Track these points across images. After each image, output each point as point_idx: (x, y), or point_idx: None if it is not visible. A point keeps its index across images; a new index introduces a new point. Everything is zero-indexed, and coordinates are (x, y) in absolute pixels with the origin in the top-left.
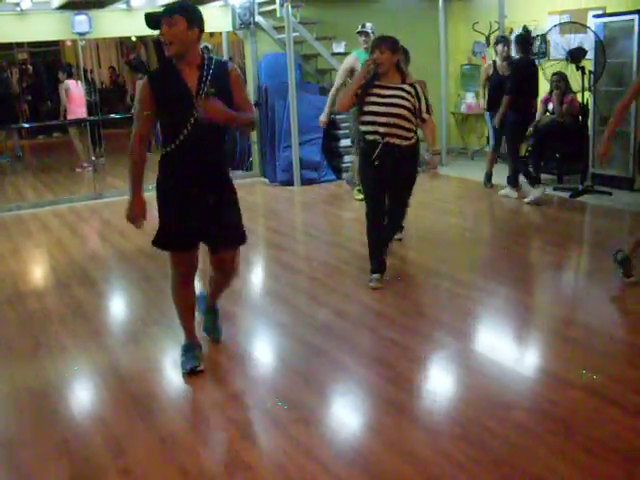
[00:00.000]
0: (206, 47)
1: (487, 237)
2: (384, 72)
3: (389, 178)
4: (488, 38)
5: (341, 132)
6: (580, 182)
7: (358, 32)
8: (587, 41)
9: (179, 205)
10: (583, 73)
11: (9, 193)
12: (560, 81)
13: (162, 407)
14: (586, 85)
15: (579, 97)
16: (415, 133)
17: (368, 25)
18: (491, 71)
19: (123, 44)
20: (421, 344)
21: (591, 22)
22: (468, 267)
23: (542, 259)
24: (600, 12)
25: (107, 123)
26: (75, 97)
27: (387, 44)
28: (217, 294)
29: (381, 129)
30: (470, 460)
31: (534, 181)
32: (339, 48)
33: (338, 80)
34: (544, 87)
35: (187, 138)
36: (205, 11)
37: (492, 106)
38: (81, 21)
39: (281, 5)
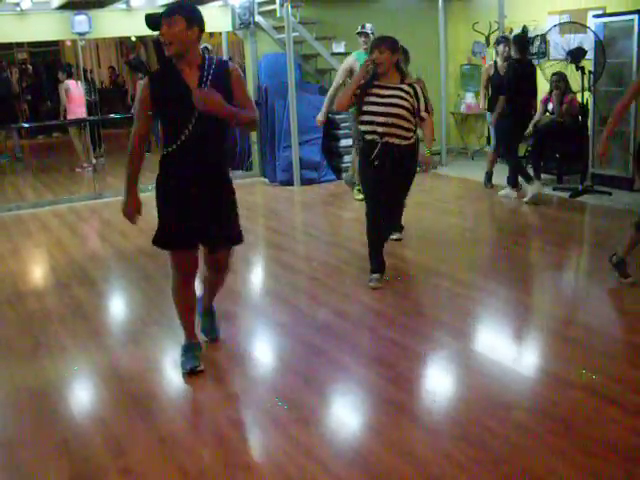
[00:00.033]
0: (206, 48)
1: (487, 237)
2: (383, 72)
3: (389, 178)
4: (488, 38)
5: (341, 132)
6: (580, 182)
7: (358, 33)
8: (587, 41)
9: (179, 205)
10: (583, 73)
11: (9, 193)
12: (560, 81)
13: (162, 407)
14: (586, 85)
15: (579, 97)
16: (414, 133)
17: (368, 26)
18: (492, 71)
19: (123, 44)
20: (421, 344)
21: (591, 22)
22: (468, 267)
23: (542, 259)
24: (600, 12)
25: (107, 123)
26: (75, 97)
27: (386, 44)
28: (212, 294)
29: (379, 129)
30: (470, 460)
31: (529, 178)
32: (339, 48)
33: (337, 79)
34: (544, 87)
35: (188, 138)
36: (205, 11)
37: (494, 106)
38: (81, 21)
39: (281, 5)
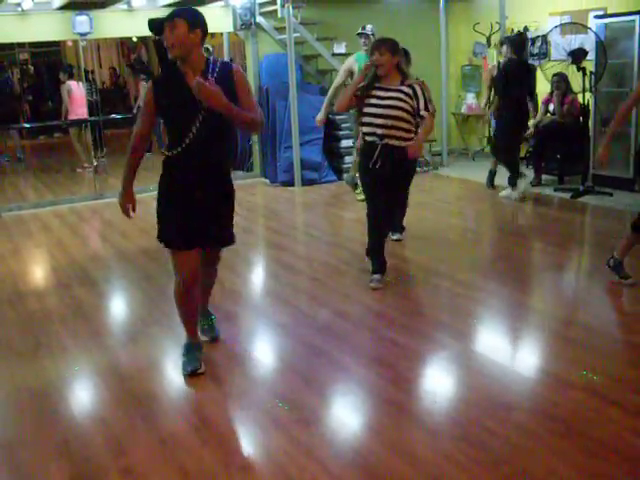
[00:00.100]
0: (206, 48)
1: (488, 238)
2: (384, 74)
3: (389, 179)
4: (489, 39)
5: (342, 133)
6: (581, 183)
7: (358, 34)
8: (588, 42)
9: (182, 208)
10: (584, 74)
11: (10, 193)
12: (561, 82)
13: (163, 407)
14: (587, 86)
15: (580, 98)
16: (415, 134)
17: (368, 27)
18: (495, 72)
19: (124, 44)
20: (421, 344)
21: (592, 23)
22: (468, 267)
23: (542, 259)
24: (601, 13)
25: (108, 124)
26: (77, 98)
27: (387, 46)
28: (207, 293)
29: (379, 131)
30: (470, 461)
31: (519, 174)
32: (340, 49)
33: (337, 79)
34: (545, 88)
35: (192, 142)
36: (206, 12)
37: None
38: (82, 21)
39: (282, 6)
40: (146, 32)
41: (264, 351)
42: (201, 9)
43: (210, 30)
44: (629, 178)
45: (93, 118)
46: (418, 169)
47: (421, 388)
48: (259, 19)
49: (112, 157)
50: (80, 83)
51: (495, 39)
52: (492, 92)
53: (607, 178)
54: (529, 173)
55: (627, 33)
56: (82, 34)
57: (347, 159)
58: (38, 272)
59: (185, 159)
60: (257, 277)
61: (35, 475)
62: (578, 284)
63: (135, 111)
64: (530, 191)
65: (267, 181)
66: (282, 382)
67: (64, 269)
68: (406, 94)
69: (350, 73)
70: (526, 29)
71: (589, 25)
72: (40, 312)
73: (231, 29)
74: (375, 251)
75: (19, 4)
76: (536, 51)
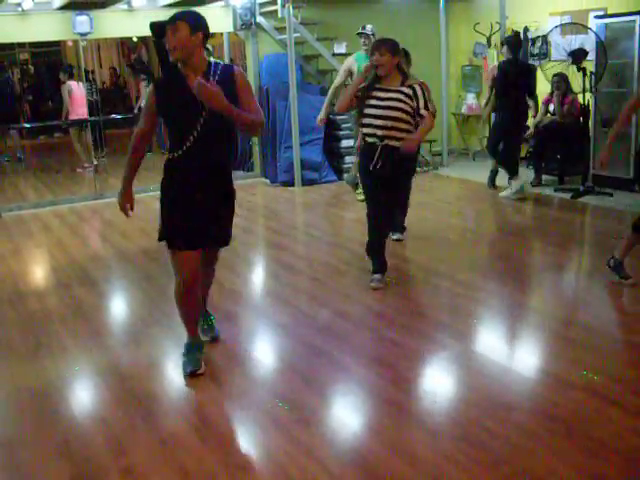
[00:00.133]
0: (207, 48)
1: (488, 238)
2: (384, 74)
3: (389, 179)
4: (489, 39)
5: (342, 133)
6: (581, 183)
7: (358, 34)
8: (588, 42)
9: (184, 210)
10: (584, 74)
11: (10, 193)
12: (561, 82)
13: (163, 407)
14: (587, 86)
15: (580, 98)
16: None
17: (368, 27)
18: (497, 72)
19: (124, 44)
20: (421, 345)
21: (592, 23)
22: (469, 267)
23: (543, 260)
24: (601, 13)
25: (108, 123)
26: (77, 98)
27: (387, 46)
28: (205, 294)
29: (379, 132)
30: (470, 461)
31: (514, 173)
32: (340, 49)
33: (337, 80)
34: (545, 88)
35: (193, 144)
36: (206, 12)
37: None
38: (82, 21)
39: (282, 6)
40: (146, 32)
41: (264, 351)
42: (201, 9)
43: (210, 30)
44: (629, 178)
45: (93, 118)
46: (418, 169)
47: (421, 388)
48: (259, 19)
49: (112, 157)
50: (80, 83)
51: (495, 39)
52: (493, 92)
53: (607, 178)
54: (529, 173)
55: (627, 33)
56: (82, 34)
57: (347, 159)
58: (38, 272)
59: (187, 161)
60: (257, 277)
61: (35, 475)
62: (578, 284)
63: (136, 111)
64: (530, 191)
65: (267, 181)
66: (282, 382)
67: (64, 269)
68: (406, 95)
69: (350, 73)
70: (526, 29)
71: (589, 25)
72: (40, 312)
73: (231, 29)
74: (375, 251)
75: (19, 4)
76: (536, 51)
